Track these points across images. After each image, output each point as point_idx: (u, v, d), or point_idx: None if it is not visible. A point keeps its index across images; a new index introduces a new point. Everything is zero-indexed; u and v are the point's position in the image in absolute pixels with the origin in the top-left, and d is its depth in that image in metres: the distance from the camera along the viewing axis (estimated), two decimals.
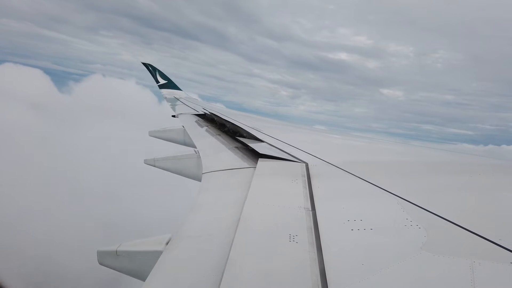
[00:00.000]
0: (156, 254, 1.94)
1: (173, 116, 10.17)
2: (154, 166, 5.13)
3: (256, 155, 4.14)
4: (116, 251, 2.30)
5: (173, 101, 14.26)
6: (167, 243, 2.06)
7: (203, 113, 9.58)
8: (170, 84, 18.75)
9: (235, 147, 5.05)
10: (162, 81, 18.75)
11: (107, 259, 2.36)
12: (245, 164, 3.95)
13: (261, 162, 3.78)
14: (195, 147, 5.34)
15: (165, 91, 17.46)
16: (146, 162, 5.23)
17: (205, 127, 7.33)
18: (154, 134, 8.14)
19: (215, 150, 4.97)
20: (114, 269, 2.35)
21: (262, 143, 4.78)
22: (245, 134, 5.70)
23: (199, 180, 3.53)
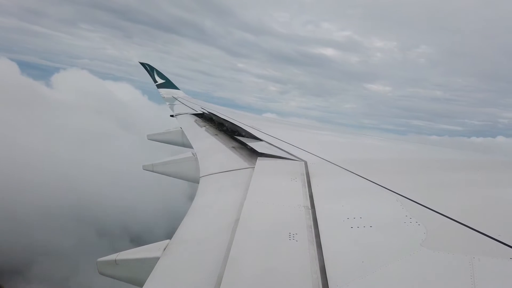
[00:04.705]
0: (155, 261, 1.94)
1: (172, 116, 10.16)
2: (153, 171, 5.08)
3: (255, 154, 4.14)
4: (115, 260, 2.30)
5: (171, 101, 14.22)
6: (165, 249, 2.06)
7: (201, 112, 9.57)
8: (168, 84, 18.69)
9: (233, 146, 5.04)
10: (160, 81, 18.68)
11: (107, 268, 2.36)
12: (244, 164, 3.94)
13: (260, 161, 3.78)
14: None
15: (163, 91, 17.41)
16: (145, 168, 5.16)
17: (204, 127, 7.31)
18: (153, 137, 8.12)
19: (214, 151, 4.96)
20: (114, 278, 2.35)
21: (261, 142, 4.78)
22: (243, 133, 5.69)
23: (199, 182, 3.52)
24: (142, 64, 19.37)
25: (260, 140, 4.92)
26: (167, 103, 13.62)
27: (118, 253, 2.34)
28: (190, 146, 5.73)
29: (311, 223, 2.11)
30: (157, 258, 1.96)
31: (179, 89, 18.77)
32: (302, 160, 3.75)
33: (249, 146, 4.47)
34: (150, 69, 19.12)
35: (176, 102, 13.84)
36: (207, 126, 7.38)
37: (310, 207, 2.38)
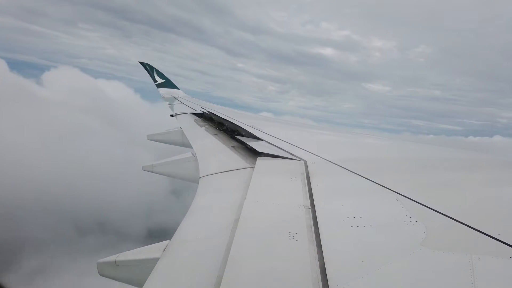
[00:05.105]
0: (155, 262, 1.94)
1: (171, 115, 10.16)
2: (153, 172, 5.08)
3: (255, 154, 4.14)
4: (115, 261, 2.30)
5: (171, 101, 14.21)
6: (164, 250, 2.06)
7: (201, 112, 9.56)
8: (167, 83, 18.67)
9: (233, 146, 5.04)
10: (159, 80, 18.66)
11: (107, 270, 2.36)
12: (244, 163, 3.94)
13: (260, 160, 3.78)
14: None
15: (162, 91, 17.39)
16: (145, 168, 5.17)
17: (203, 127, 7.31)
18: (153, 138, 8.12)
19: (214, 151, 4.95)
20: (114, 279, 2.35)
21: (261, 142, 4.78)
22: (243, 133, 5.69)
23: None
24: (142, 63, 19.35)
25: (260, 139, 4.92)
26: (167, 102, 13.61)
27: (117, 254, 2.34)
28: (190, 146, 5.74)
29: (311, 222, 2.11)
30: (157, 259, 1.96)
31: (179, 88, 18.75)
32: (302, 159, 3.75)
33: (249, 145, 4.47)
34: (150, 69, 19.10)
35: (176, 101, 13.83)
36: (207, 126, 7.38)
37: (310, 207, 2.38)
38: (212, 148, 5.17)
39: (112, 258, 2.33)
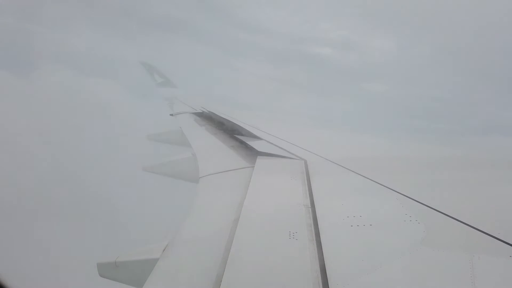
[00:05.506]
0: (154, 262, 1.93)
1: (171, 115, 10.15)
2: (153, 172, 5.09)
3: (254, 153, 4.14)
4: (115, 262, 2.29)
5: (171, 100, 14.20)
6: (164, 250, 2.05)
7: (201, 111, 9.55)
8: (167, 83, 18.64)
9: (233, 145, 5.04)
10: (159, 80, 18.62)
11: (107, 271, 2.35)
12: (244, 163, 3.94)
13: (260, 160, 3.78)
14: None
15: (162, 90, 17.38)
16: (144, 169, 5.17)
17: (203, 126, 7.30)
18: (152, 138, 8.12)
19: (213, 151, 4.95)
20: (115, 280, 2.34)
21: (261, 141, 4.77)
22: (243, 132, 5.69)
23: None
24: (141, 63, 19.31)
25: (260, 139, 4.92)
26: (166, 102, 13.60)
27: (118, 255, 2.34)
28: (190, 146, 5.73)
29: (311, 221, 2.11)
30: (157, 259, 1.95)
31: (178, 88, 18.72)
32: (301, 158, 3.75)
33: (249, 145, 4.47)
34: (149, 68, 19.06)
35: (176, 101, 13.82)
36: (206, 125, 7.37)
37: (310, 206, 2.38)
38: (212, 148, 5.17)
39: (112, 258, 2.32)
